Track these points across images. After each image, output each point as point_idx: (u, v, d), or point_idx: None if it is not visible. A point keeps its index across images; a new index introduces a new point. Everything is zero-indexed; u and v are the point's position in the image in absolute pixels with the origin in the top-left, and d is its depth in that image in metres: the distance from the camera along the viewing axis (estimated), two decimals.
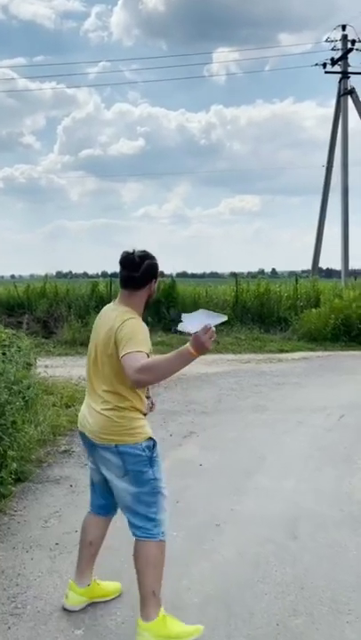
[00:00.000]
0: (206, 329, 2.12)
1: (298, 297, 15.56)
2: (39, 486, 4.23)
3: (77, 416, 2.91)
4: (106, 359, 2.46)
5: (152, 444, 2.51)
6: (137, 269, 2.48)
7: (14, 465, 3.94)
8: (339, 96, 19.12)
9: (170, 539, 2.75)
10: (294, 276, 23.10)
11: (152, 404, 2.76)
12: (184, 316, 2.22)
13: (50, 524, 3.61)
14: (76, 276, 22.33)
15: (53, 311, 14.43)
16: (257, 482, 4.34)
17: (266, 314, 15.03)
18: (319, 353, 11.74)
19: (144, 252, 2.54)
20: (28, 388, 4.67)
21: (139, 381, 2.24)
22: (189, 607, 2.75)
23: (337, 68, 18.98)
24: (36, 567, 3.08)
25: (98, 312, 2.77)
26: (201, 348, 2.14)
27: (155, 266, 2.54)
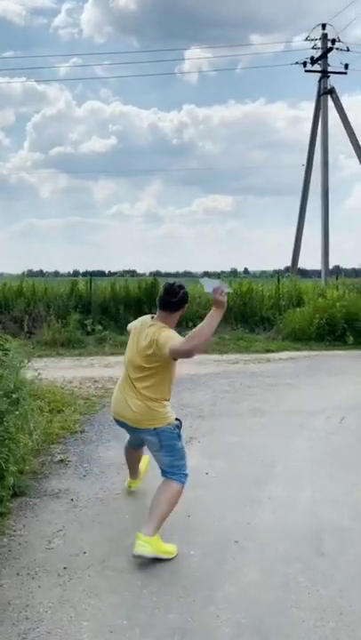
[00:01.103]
0: (217, 290, 2.98)
1: (280, 296, 15.46)
2: (37, 501, 3.90)
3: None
4: (143, 357, 3.23)
5: (179, 424, 3.32)
6: (175, 296, 3.28)
7: (12, 479, 3.62)
8: (319, 95, 19.09)
9: (187, 559, 3.13)
10: (275, 274, 23.07)
11: None
12: (202, 280, 3.11)
13: (54, 544, 3.30)
14: (48, 274, 21.81)
15: (31, 311, 13.94)
16: (270, 492, 4.10)
17: (249, 313, 14.86)
18: (305, 353, 11.62)
19: (181, 284, 3.35)
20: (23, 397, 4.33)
21: (192, 349, 2.99)
22: (221, 639, 2.49)
23: (317, 67, 18.96)
24: (45, 597, 2.78)
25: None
26: (219, 304, 2.98)
27: (187, 294, 3.35)
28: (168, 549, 3.18)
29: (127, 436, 3.79)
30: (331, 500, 3.98)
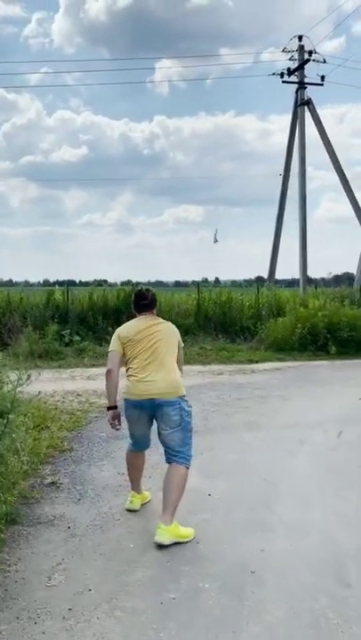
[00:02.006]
0: None
1: (260, 306, 15.35)
2: (31, 530, 3.58)
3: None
4: (171, 346, 3.79)
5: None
6: (147, 298, 3.96)
7: (4, 507, 3.29)
8: (296, 106, 19.19)
9: (203, 594, 2.89)
10: (252, 284, 23.09)
11: None
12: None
13: (55, 581, 2.99)
14: (17, 284, 21.29)
15: (6, 321, 13.47)
16: (279, 514, 3.87)
17: (229, 323, 14.69)
18: (289, 363, 11.49)
19: (147, 287, 4.08)
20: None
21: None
22: None
23: (294, 78, 19.07)
24: None
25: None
26: None
27: (155, 295, 4.04)
28: (186, 534, 3.47)
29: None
30: (344, 521, 3.76)
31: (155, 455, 4.40)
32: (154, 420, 3.72)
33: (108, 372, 3.83)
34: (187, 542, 3.42)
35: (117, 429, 3.90)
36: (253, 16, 63.80)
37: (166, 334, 3.78)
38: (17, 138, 72.95)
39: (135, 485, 4.03)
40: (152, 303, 3.95)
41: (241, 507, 3.99)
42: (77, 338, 13.40)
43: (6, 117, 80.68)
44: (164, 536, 3.35)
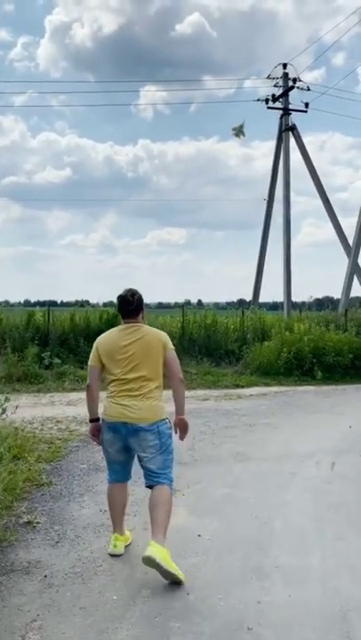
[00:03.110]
0: None
1: (245, 329, 15.16)
2: (3, 579, 3.22)
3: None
4: (149, 361, 3.51)
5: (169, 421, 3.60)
6: (132, 303, 3.64)
7: None
8: (280, 132, 19.34)
9: None
10: (233, 306, 22.94)
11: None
12: None
13: None
14: None
15: None
16: (275, 558, 3.57)
17: (213, 346, 14.45)
18: (275, 388, 11.27)
19: (132, 290, 3.70)
20: None
21: (182, 382, 3.66)
22: None
23: (278, 104, 19.25)
24: None
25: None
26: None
27: (141, 297, 3.69)
28: (175, 567, 3.20)
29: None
30: (345, 566, 3.47)
31: (139, 490, 4.09)
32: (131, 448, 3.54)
33: (88, 387, 3.71)
34: (176, 589, 3.12)
35: (97, 443, 3.73)
36: (237, 46, 65.27)
37: (146, 349, 3.51)
38: (0, 158, 72.89)
39: (118, 526, 3.67)
40: (137, 308, 3.65)
41: (233, 549, 3.68)
42: (58, 360, 13.01)
43: None
44: (156, 554, 3.11)
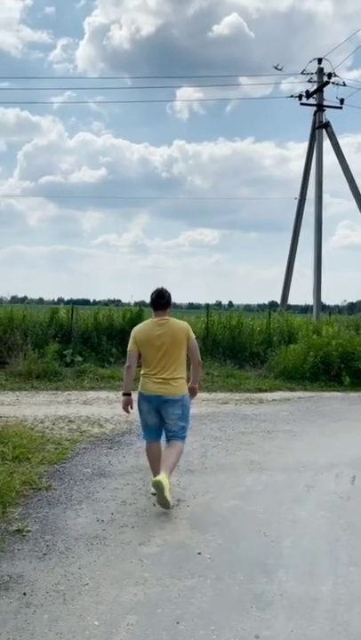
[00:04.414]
0: None
1: (271, 331, 14.72)
2: None
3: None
4: (176, 349, 4.44)
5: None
6: (164, 297, 4.59)
7: None
8: (313, 129, 18.78)
9: None
10: (262, 309, 22.47)
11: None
12: None
13: None
14: (32, 301, 20.95)
15: (7, 339, 12.94)
16: (280, 584, 3.21)
17: (238, 348, 14.07)
18: (300, 393, 10.81)
19: (165, 288, 4.64)
20: None
21: (199, 364, 4.76)
22: None
23: (312, 100, 18.71)
24: None
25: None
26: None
27: (170, 296, 4.64)
28: (170, 499, 4.17)
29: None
30: (360, 599, 3.09)
31: (142, 499, 3.78)
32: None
33: (128, 368, 4.58)
34: (165, 617, 2.81)
35: (128, 413, 4.69)
36: (274, 47, 64.37)
37: (171, 337, 4.43)
38: (38, 158, 73.81)
39: (156, 472, 4.42)
40: (167, 303, 4.60)
41: (235, 571, 3.34)
42: (79, 358, 12.86)
43: (28, 138, 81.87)
44: (165, 482, 4.08)
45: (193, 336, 4.56)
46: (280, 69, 18.80)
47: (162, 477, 4.09)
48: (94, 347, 13.55)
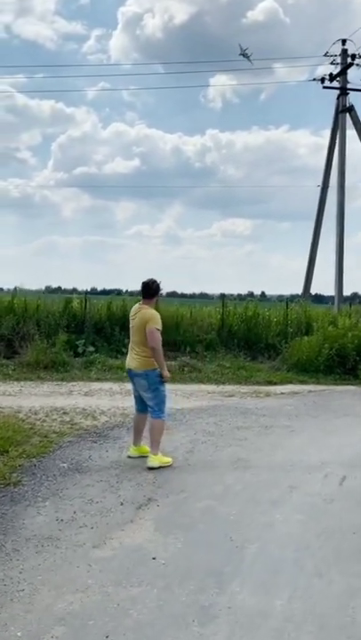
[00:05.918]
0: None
1: (288, 323, 14.31)
2: None
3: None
4: (139, 332, 5.12)
5: (160, 373, 5.14)
6: (150, 288, 5.28)
7: None
8: (336, 113, 18.12)
9: None
10: (284, 299, 21.96)
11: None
12: None
13: None
14: (66, 291, 21.04)
15: (20, 329, 12.92)
16: (232, 596, 2.97)
17: (253, 339, 13.73)
18: (311, 387, 10.44)
19: (154, 280, 5.32)
20: None
21: (153, 349, 5.09)
22: None
23: (335, 84, 18.05)
24: None
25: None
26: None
27: (159, 286, 5.36)
28: (167, 460, 5.13)
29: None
30: (313, 616, 2.82)
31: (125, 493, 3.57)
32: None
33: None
34: (95, 631, 2.60)
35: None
36: (310, 32, 62.69)
37: (138, 322, 5.15)
38: (72, 149, 74.24)
39: (135, 441, 5.39)
40: (153, 293, 5.30)
41: (187, 580, 3.12)
42: (92, 349, 12.77)
43: (63, 129, 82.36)
44: (153, 462, 5.00)
45: (152, 326, 5.06)
46: (248, 56, 18.29)
47: (153, 459, 5.01)
48: (107, 337, 13.42)
